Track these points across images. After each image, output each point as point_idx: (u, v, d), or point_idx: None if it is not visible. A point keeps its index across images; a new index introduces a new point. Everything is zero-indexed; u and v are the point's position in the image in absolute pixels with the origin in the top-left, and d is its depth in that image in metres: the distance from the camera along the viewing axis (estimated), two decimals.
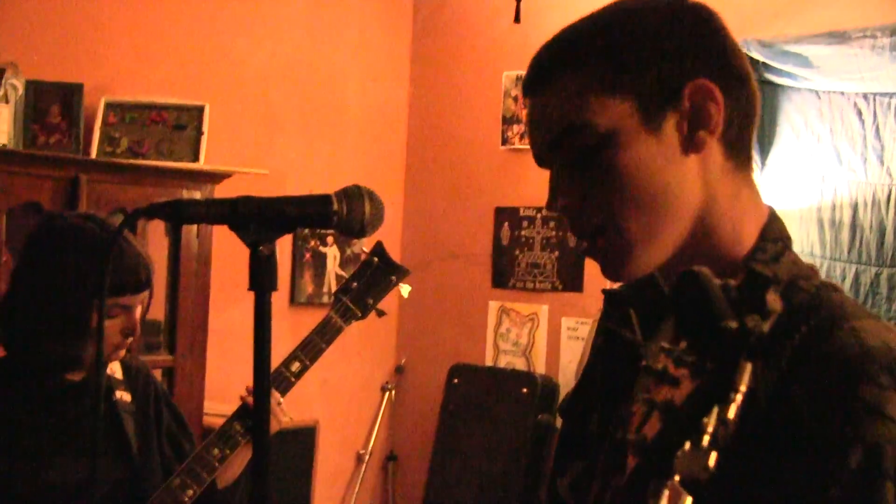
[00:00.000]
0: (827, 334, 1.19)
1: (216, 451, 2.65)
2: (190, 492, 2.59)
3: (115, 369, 2.75)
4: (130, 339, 2.64)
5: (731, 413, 0.90)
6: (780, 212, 4.12)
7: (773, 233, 1.33)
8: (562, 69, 1.33)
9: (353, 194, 1.58)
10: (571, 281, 5.66)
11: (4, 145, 4.35)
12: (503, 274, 5.94)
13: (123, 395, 2.74)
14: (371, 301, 2.87)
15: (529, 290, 5.83)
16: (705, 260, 1.23)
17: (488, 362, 5.97)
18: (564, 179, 1.34)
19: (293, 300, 5.84)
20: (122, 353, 2.68)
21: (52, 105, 4.65)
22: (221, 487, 2.78)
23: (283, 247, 5.68)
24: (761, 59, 4.68)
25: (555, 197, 1.35)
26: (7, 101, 4.41)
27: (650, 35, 1.32)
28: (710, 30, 1.37)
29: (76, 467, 2.57)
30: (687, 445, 0.91)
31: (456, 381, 5.96)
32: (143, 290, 2.64)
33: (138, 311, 2.64)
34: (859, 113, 4.59)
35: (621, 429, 1.41)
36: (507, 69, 5.97)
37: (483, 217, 6.04)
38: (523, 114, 5.81)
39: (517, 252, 5.87)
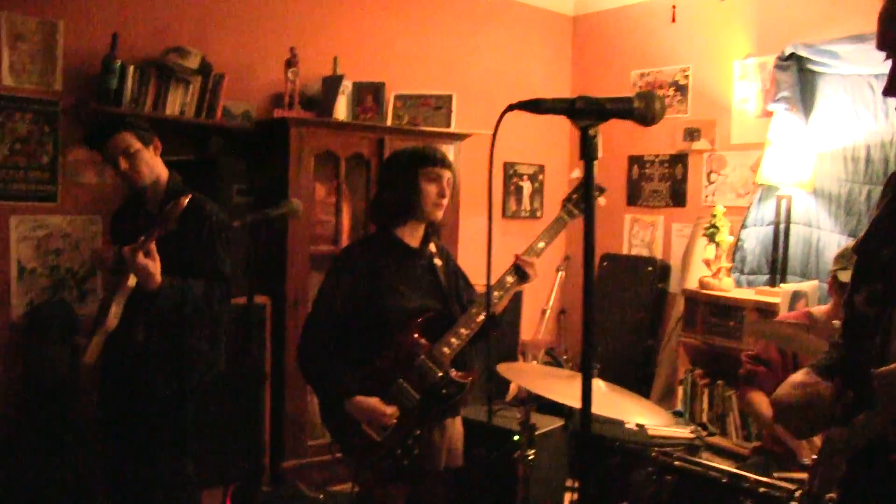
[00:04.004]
0: None
1: (495, 293, 2.74)
2: (480, 317, 2.71)
3: (433, 248, 2.91)
4: (443, 202, 2.81)
5: None
6: (820, 153, 4.74)
7: None
8: None
9: (648, 96, 1.52)
10: (678, 201, 5.77)
11: (343, 120, 4.76)
12: (634, 196, 6.05)
13: (437, 261, 2.92)
14: (584, 206, 2.67)
15: (651, 206, 5.95)
16: None
17: (624, 251, 6.09)
18: None
19: (504, 214, 6.06)
20: (440, 213, 2.83)
21: (367, 95, 4.97)
22: (498, 313, 2.89)
23: (497, 181, 6.02)
24: (805, 55, 4.83)
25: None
26: (344, 94, 4.78)
27: None
28: None
29: (418, 299, 2.79)
30: None
31: (605, 263, 6.08)
32: (445, 168, 2.80)
33: (445, 182, 2.80)
34: (871, 87, 4.66)
35: None
36: (633, 69, 6.03)
37: (621, 162, 6.06)
38: None
39: (643, 183, 5.98)
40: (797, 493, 2.29)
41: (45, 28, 4.16)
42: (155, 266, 2.93)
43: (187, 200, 2.85)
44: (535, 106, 1.48)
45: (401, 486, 2.74)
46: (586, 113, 1.47)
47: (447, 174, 2.82)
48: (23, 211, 4.16)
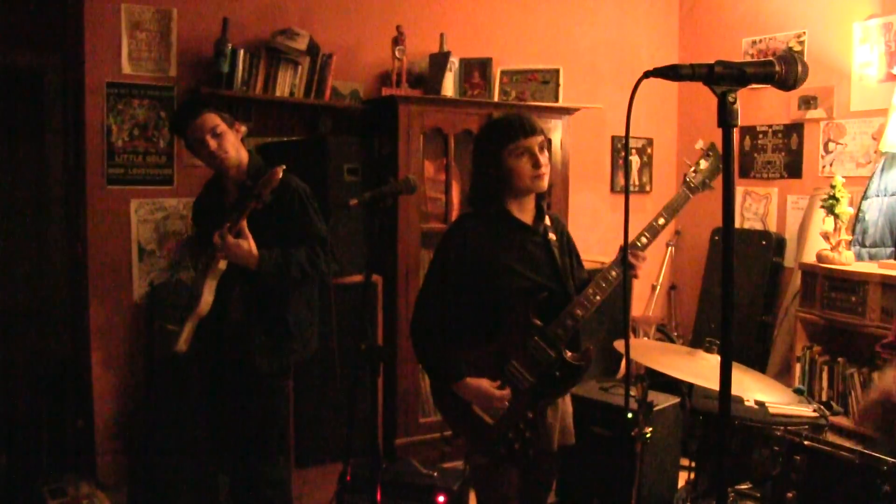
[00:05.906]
0: None
1: (614, 273, 2.59)
2: (598, 297, 2.58)
3: (547, 221, 2.76)
4: (542, 171, 2.63)
5: None
6: None
7: None
8: None
9: (790, 59, 1.47)
10: (793, 172, 5.53)
11: (451, 96, 4.79)
12: (746, 168, 5.83)
13: (552, 235, 2.74)
14: (707, 180, 2.74)
15: (764, 178, 5.74)
16: None
17: (737, 225, 5.83)
18: None
19: (612, 189, 5.98)
20: (544, 182, 2.67)
21: (474, 72, 5.04)
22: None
23: (605, 155, 5.95)
24: None
25: None
26: (451, 71, 4.83)
27: None
28: None
29: (532, 278, 2.65)
30: None
31: (716, 238, 5.93)
32: (530, 136, 2.61)
33: (537, 149, 2.62)
34: None
35: None
36: (744, 36, 5.78)
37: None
38: None
39: (755, 154, 5.77)
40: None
41: (161, 16, 4.28)
42: (249, 243, 2.96)
43: (282, 171, 2.86)
44: (672, 72, 1.43)
45: (513, 467, 2.69)
46: (725, 78, 1.41)
47: (537, 140, 2.64)
48: (142, 195, 4.32)
